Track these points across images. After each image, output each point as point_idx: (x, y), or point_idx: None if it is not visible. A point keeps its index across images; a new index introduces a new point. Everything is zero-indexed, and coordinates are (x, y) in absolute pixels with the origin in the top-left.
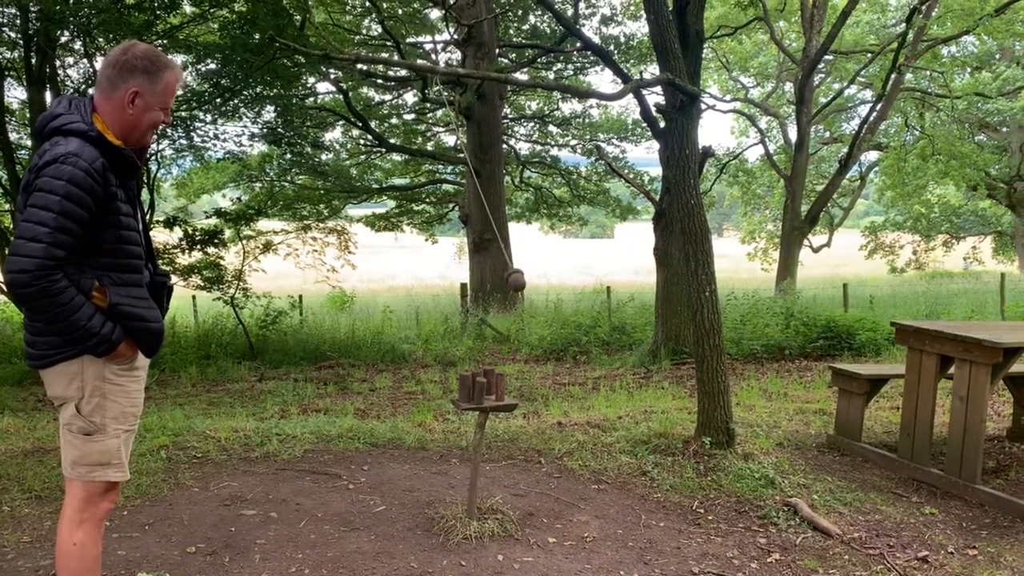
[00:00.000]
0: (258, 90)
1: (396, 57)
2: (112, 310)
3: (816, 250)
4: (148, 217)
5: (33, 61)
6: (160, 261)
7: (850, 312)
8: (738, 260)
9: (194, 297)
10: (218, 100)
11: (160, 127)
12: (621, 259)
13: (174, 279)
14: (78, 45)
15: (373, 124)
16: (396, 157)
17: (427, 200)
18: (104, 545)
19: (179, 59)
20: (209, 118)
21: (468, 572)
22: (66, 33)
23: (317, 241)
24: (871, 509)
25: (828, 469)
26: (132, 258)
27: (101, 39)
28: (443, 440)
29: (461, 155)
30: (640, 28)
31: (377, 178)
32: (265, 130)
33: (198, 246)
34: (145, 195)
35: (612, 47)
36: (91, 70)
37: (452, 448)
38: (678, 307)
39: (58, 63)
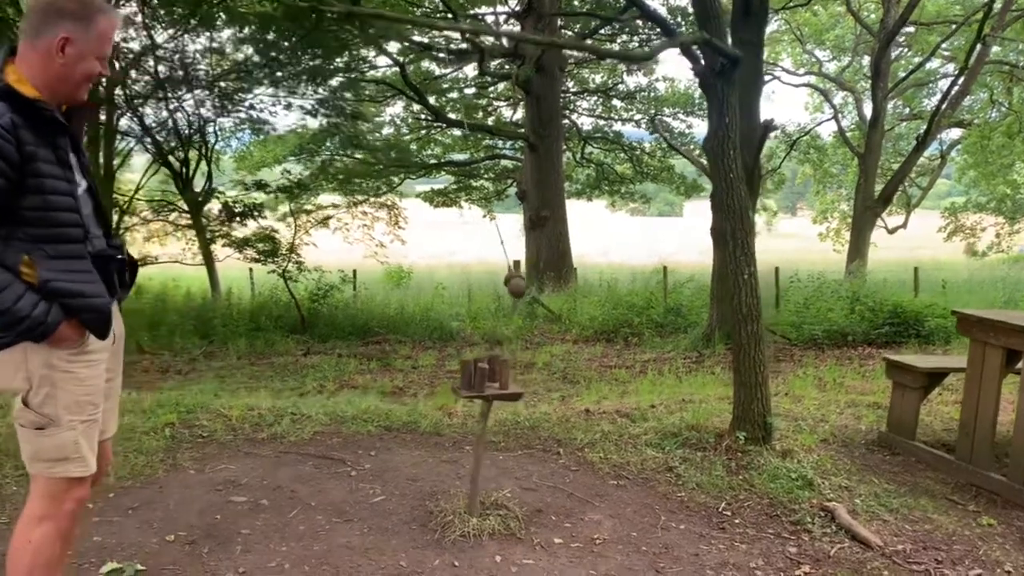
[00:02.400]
0: (307, 61)
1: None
2: (44, 287)
3: (892, 231)
4: (205, 189)
5: None
6: (208, 235)
7: (920, 297)
8: (810, 240)
9: (251, 269)
10: (266, 71)
11: (96, 80)
12: (687, 238)
13: (227, 252)
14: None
15: (432, 98)
16: (456, 132)
17: (486, 176)
18: (81, 530)
19: (226, 32)
20: (260, 90)
21: (460, 574)
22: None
23: (368, 216)
24: (920, 517)
25: (875, 470)
26: (65, 226)
27: (161, 10)
28: (460, 426)
29: (522, 130)
30: None
31: (436, 153)
32: (310, 102)
33: (237, 219)
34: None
35: (679, 18)
36: (148, 42)
37: (468, 435)
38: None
39: None
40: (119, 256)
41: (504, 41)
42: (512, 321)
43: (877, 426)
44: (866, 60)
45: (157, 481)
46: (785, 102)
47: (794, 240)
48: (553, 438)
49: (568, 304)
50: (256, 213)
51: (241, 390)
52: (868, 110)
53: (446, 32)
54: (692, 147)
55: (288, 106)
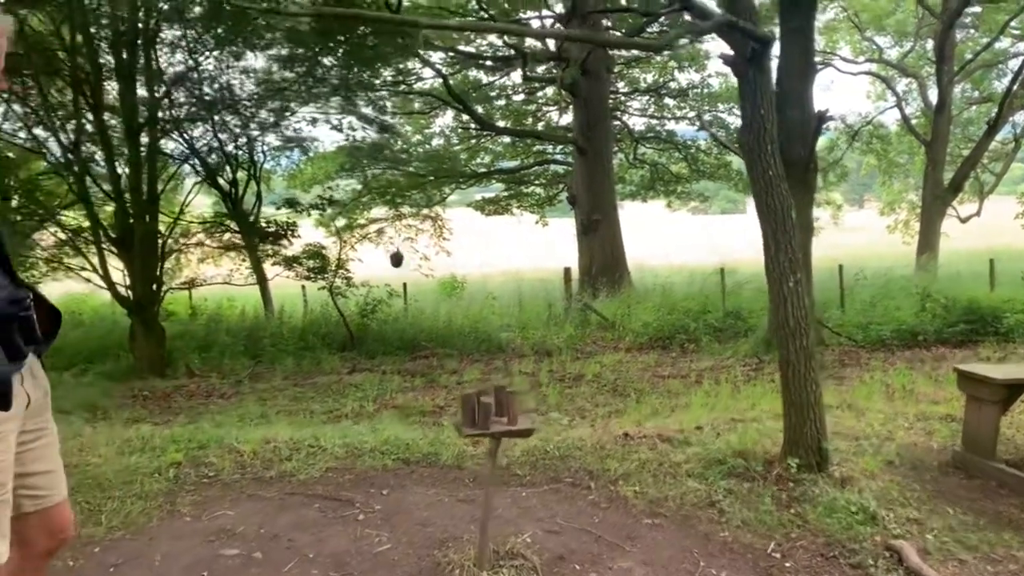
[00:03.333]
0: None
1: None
2: None
3: (964, 220)
4: (255, 209)
5: (124, 56)
6: (262, 251)
7: (997, 291)
8: (877, 233)
9: (303, 287)
10: (307, 88)
11: None
12: (753, 235)
13: (276, 271)
14: (175, 36)
15: (480, 107)
16: (505, 139)
17: (536, 182)
18: None
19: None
20: (305, 109)
21: None
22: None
23: (412, 228)
24: (1004, 555)
25: (950, 497)
26: None
27: (200, 29)
28: (484, 457)
29: (571, 134)
30: None
31: (485, 162)
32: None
33: (269, 239)
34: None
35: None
36: (190, 61)
37: None
38: None
39: (152, 55)
40: (24, 311)
41: (549, 43)
42: (563, 330)
43: (951, 443)
44: (930, 44)
45: (149, 531)
46: (845, 91)
47: (861, 234)
48: (584, 469)
49: (622, 310)
50: (288, 231)
51: (280, 414)
52: (933, 96)
53: (490, 39)
54: None
55: (336, 125)
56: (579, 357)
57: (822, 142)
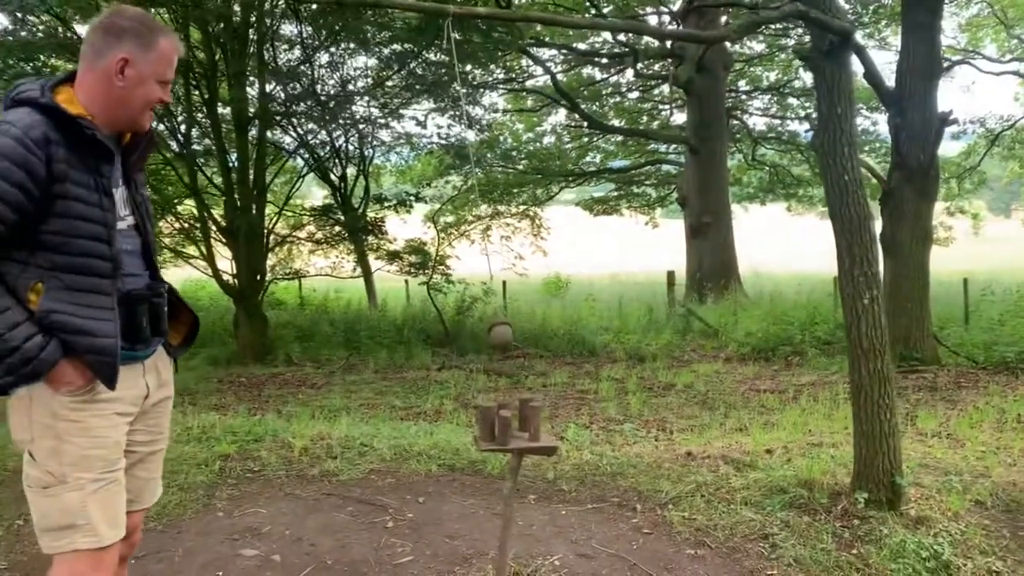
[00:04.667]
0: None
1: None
2: (44, 319)
3: None
4: (363, 204)
5: (237, 51)
6: (367, 245)
7: None
8: (1021, 245)
9: (406, 281)
10: (413, 82)
11: (156, 106)
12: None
13: (378, 264)
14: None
15: (595, 104)
16: (617, 138)
17: (647, 182)
18: None
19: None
20: (417, 105)
21: None
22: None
23: (510, 227)
24: None
25: None
26: (89, 256)
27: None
28: (534, 467)
29: (683, 133)
30: None
31: (596, 161)
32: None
33: (370, 232)
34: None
35: (860, 7)
36: (304, 57)
37: (537, 479)
38: (907, 303)
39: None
40: (156, 299)
41: (666, 43)
42: (661, 336)
43: None
44: None
45: (180, 524)
46: (988, 92)
47: (1005, 244)
48: (634, 489)
49: (727, 317)
50: (374, 228)
51: (361, 407)
52: None
53: (604, 36)
54: (878, 145)
55: (446, 122)
56: (674, 365)
57: (958, 147)
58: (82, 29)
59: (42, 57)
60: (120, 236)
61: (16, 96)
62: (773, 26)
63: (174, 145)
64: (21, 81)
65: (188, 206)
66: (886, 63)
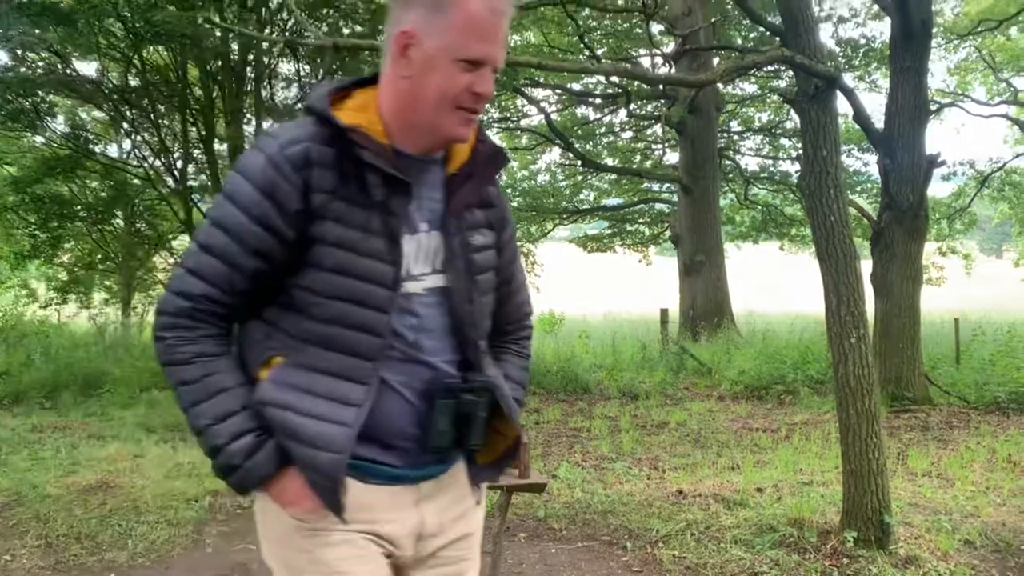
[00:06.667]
0: None
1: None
2: (262, 409)
3: None
4: None
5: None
6: None
7: None
8: (1011, 285)
9: None
10: None
11: (474, 103)
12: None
13: None
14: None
15: (588, 143)
16: (610, 176)
17: (641, 220)
18: None
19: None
20: None
21: None
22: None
23: None
24: None
25: None
26: (347, 328)
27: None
28: (525, 505)
29: (675, 173)
30: (883, 30)
31: (590, 199)
32: None
33: None
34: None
35: (850, 50)
36: (299, 99)
37: (527, 517)
38: (899, 343)
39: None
40: (467, 395)
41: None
42: (655, 373)
43: None
44: None
45: (168, 560)
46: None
47: (995, 285)
48: (625, 527)
49: (720, 356)
50: None
51: None
52: None
53: (598, 76)
54: (869, 186)
55: None
56: (667, 403)
57: (949, 188)
58: (83, 67)
59: (40, 93)
60: (411, 302)
61: (306, 102)
62: (764, 69)
63: (170, 181)
64: (321, 83)
65: (183, 242)
66: (878, 105)
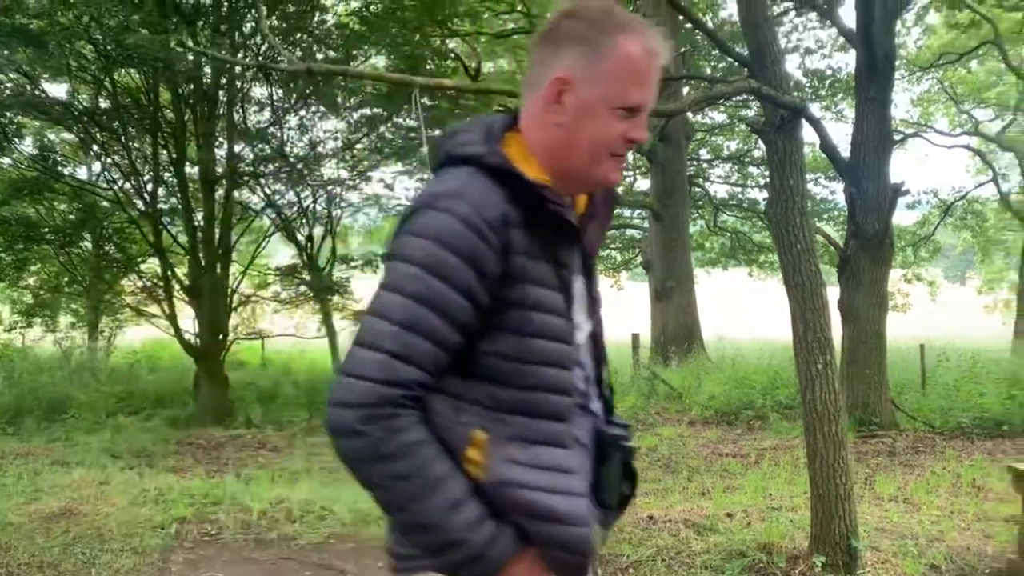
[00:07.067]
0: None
1: None
2: (497, 490)
3: None
4: (329, 264)
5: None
6: (331, 305)
7: None
8: (974, 312)
9: None
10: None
11: (626, 150)
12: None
13: (344, 324)
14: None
15: None
16: None
17: (612, 246)
18: None
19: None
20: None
21: None
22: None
23: None
24: None
25: None
26: (548, 392)
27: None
28: None
29: (648, 199)
30: (848, 61)
31: None
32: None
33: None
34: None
35: (816, 81)
36: (272, 123)
37: None
38: (866, 369)
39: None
40: (626, 443)
41: None
42: (626, 399)
43: (1010, 549)
44: None
45: None
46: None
47: (960, 311)
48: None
49: (691, 381)
50: (340, 288)
51: (323, 471)
52: None
53: None
54: (836, 213)
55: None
56: (638, 429)
57: (914, 217)
58: (52, 88)
59: (8, 114)
60: (580, 354)
61: (455, 151)
62: (732, 98)
63: (139, 203)
64: (458, 126)
65: (152, 265)
66: (844, 135)
